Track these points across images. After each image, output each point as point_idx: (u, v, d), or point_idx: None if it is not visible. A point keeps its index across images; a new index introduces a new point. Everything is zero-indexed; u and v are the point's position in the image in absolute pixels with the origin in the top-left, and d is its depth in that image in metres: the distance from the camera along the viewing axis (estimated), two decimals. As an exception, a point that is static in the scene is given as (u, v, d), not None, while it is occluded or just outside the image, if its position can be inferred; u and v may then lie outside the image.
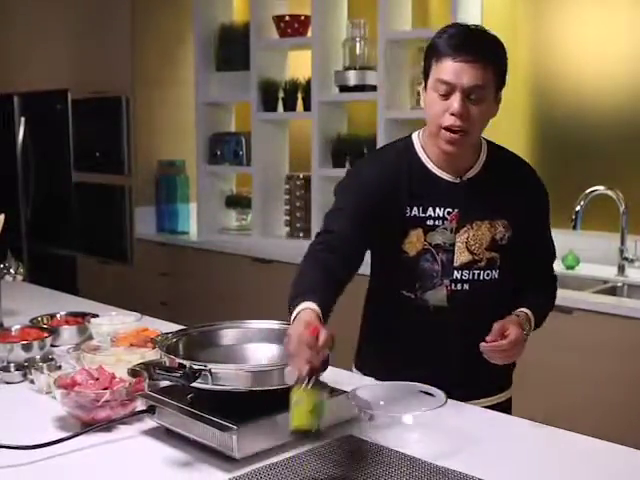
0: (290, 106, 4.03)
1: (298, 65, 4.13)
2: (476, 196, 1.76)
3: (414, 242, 1.76)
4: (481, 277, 1.77)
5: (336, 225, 1.74)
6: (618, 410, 2.68)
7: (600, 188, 3.10)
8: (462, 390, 1.73)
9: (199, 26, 4.29)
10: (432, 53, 1.71)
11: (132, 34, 4.56)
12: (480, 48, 1.66)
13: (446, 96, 1.66)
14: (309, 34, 3.90)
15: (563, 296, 2.84)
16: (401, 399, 1.55)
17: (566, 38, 3.41)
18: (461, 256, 1.76)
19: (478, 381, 1.82)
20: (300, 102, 4.01)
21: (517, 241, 1.79)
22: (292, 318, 1.51)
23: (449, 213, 1.75)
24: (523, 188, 1.82)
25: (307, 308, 1.50)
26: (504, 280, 1.80)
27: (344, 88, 3.73)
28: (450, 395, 1.55)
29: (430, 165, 1.78)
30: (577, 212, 3.05)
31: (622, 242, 3.14)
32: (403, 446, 1.45)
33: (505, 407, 1.88)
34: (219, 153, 4.29)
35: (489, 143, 1.84)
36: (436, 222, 1.75)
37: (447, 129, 1.68)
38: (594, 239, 3.30)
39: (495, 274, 1.78)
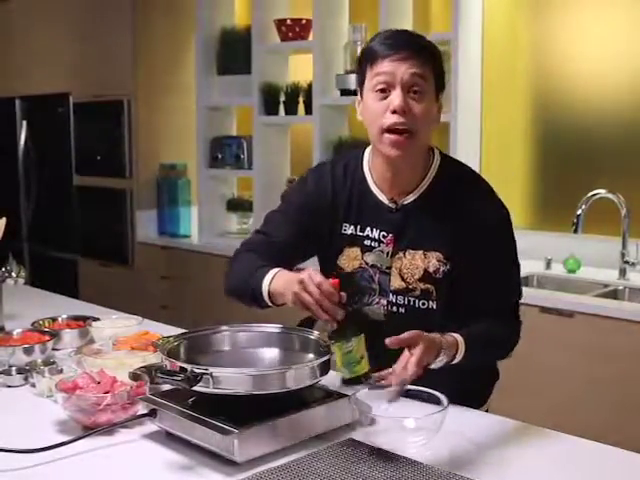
0: (291, 110, 4.03)
1: (299, 69, 4.14)
2: (411, 224, 1.66)
3: (350, 259, 1.73)
4: (417, 305, 1.67)
5: (273, 228, 1.77)
6: (621, 413, 2.67)
7: (601, 192, 3.10)
8: None
9: (201, 30, 4.30)
10: (366, 58, 1.60)
11: (134, 38, 4.56)
12: (415, 45, 1.58)
13: (385, 93, 1.57)
14: (310, 38, 3.91)
15: (564, 299, 2.85)
16: (402, 403, 1.55)
17: (567, 42, 3.41)
18: (395, 282, 1.68)
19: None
20: (301, 106, 4.02)
21: (457, 274, 1.63)
22: (268, 282, 1.59)
23: (384, 237, 1.69)
24: (467, 217, 1.64)
25: (280, 270, 1.60)
26: (444, 311, 1.66)
27: (345, 92, 3.72)
28: None
29: (372, 185, 1.71)
30: (578, 216, 3.05)
31: (623, 245, 3.14)
32: (404, 450, 1.44)
33: None
34: (220, 156, 4.29)
35: (443, 159, 1.71)
36: (373, 243, 1.70)
37: (390, 130, 1.57)
38: (595, 242, 3.29)
39: (432, 305, 1.66)
